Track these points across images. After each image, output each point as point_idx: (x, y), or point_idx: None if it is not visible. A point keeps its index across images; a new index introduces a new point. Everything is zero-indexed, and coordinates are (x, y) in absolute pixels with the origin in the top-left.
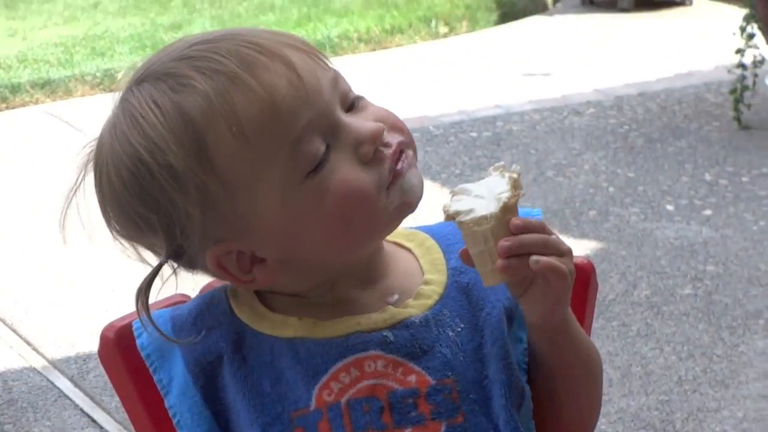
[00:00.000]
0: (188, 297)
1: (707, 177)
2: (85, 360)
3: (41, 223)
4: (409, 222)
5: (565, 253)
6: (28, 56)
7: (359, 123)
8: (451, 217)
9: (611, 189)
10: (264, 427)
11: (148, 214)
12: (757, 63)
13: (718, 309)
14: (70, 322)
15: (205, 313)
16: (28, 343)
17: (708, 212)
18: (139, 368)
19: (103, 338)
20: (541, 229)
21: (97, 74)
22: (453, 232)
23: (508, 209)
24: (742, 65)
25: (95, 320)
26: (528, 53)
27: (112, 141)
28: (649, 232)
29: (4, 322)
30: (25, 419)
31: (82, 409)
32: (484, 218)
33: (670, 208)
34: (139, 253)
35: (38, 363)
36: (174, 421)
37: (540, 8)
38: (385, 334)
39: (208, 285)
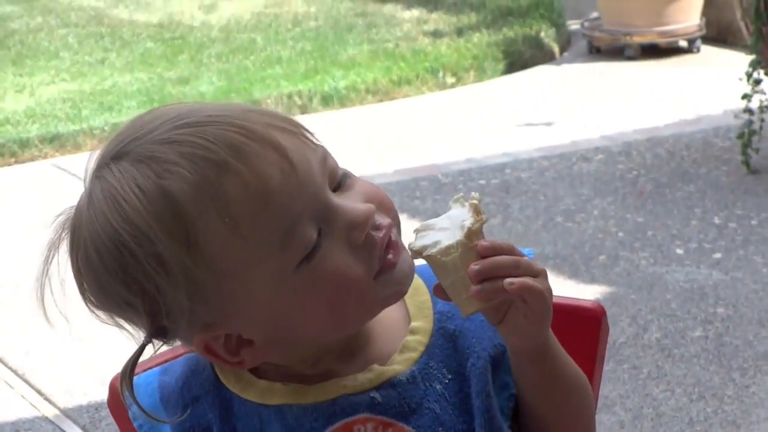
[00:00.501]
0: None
1: (716, 221)
2: (96, 409)
3: (50, 276)
4: None
5: (539, 273)
6: (36, 111)
7: (350, 206)
8: (418, 252)
9: (621, 234)
10: None
11: (132, 297)
12: (764, 108)
13: (728, 351)
14: (82, 371)
15: (191, 381)
16: (40, 393)
17: (717, 255)
18: None
19: (113, 388)
20: (510, 250)
21: (106, 128)
22: None
23: (474, 234)
24: (749, 110)
25: (106, 369)
26: (536, 101)
27: (91, 221)
28: (659, 276)
29: (16, 373)
30: None
31: None
32: (450, 247)
33: (679, 251)
34: (116, 321)
35: (50, 412)
36: None
37: (547, 57)
38: (372, 395)
39: None
